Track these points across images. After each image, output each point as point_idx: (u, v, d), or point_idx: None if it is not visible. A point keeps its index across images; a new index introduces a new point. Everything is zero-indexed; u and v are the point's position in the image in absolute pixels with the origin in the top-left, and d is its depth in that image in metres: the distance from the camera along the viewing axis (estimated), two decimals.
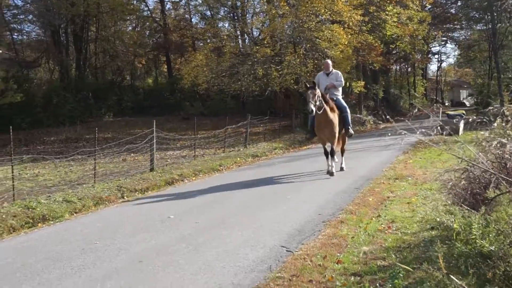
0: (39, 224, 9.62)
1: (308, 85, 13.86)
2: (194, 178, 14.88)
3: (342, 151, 15.62)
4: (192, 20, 51.05)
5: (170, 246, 7.56)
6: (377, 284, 5.48)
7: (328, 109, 13.72)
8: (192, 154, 19.99)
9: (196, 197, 11.80)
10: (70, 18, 41.91)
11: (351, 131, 15.19)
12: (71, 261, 6.97)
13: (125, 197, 12.07)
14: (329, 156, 14.35)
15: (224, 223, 8.96)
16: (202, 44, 43.07)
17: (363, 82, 37.29)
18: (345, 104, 15.10)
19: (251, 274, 6.11)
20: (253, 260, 6.65)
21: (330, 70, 15.39)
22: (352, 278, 5.77)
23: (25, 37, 46.39)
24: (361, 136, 29.85)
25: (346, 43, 31.92)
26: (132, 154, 18.93)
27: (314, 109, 13.06)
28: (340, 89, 15.32)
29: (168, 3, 51.26)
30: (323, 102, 13.65)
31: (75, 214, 10.39)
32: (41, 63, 47.92)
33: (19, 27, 44.66)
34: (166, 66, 51.65)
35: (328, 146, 14.54)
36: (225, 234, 8.18)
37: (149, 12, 52.58)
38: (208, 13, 47.82)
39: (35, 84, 42.02)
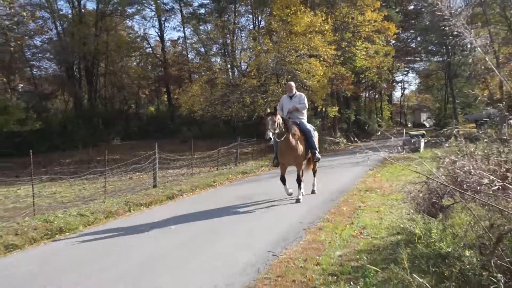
0: (57, 236, 9.58)
1: (269, 111, 11.87)
2: (191, 193, 14.85)
3: (314, 172, 13.62)
4: (189, 55, 51.18)
5: (172, 250, 7.57)
6: (351, 283, 5.50)
7: (290, 135, 11.57)
8: (189, 172, 19.98)
9: (194, 209, 11.80)
10: (82, 56, 42.04)
11: (317, 155, 12.74)
12: (87, 266, 6.96)
13: (131, 211, 12.03)
14: (296, 183, 12.26)
15: (217, 231, 8.97)
16: (197, 76, 43.14)
17: (337, 108, 37.56)
18: (309, 128, 12.75)
19: (242, 276, 6.12)
20: (243, 263, 6.67)
21: (294, 92, 13.02)
22: (330, 277, 5.80)
23: (43, 72, 46.31)
24: (336, 154, 29.91)
25: (322, 74, 32.16)
26: (137, 173, 18.84)
27: (272, 136, 10.96)
28: (305, 112, 13.07)
29: (168, 41, 51.34)
30: (285, 129, 11.51)
31: (88, 226, 10.34)
32: (57, 95, 47.85)
33: (38, 63, 44.69)
34: (166, 96, 51.63)
35: (297, 170, 12.44)
36: (218, 240, 8.20)
37: (151, 49, 52.71)
38: (203, 49, 47.92)
39: (52, 113, 41.85)
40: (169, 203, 13.35)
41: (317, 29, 32.92)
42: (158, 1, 47.43)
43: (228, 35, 43.92)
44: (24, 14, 32.35)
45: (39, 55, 43.64)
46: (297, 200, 11.93)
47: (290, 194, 12.41)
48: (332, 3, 37.84)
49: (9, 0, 29.73)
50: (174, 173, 19.86)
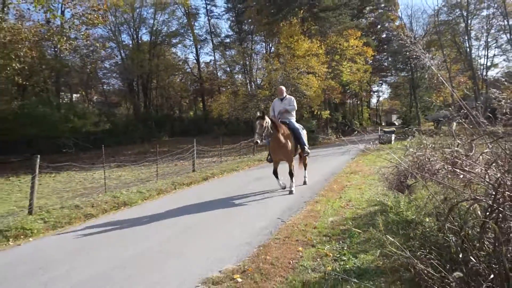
0: (122, 207, 9.67)
1: (258, 114, 9.97)
2: (221, 176, 14.89)
3: (305, 165, 11.91)
4: (218, 73, 51.18)
5: (208, 217, 7.61)
6: (340, 242, 5.50)
7: (279, 134, 9.93)
8: (219, 160, 20.02)
9: (222, 188, 11.83)
10: (140, 75, 42.38)
11: (307, 150, 10.96)
12: (145, 229, 7.03)
13: (176, 189, 12.08)
14: (288, 176, 10.47)
15: (240, 204, 9.00)
16: (224, 89, 43.23)
17: (328, 111, 37.53)
18: (298, 126, 11.02)
19: (258, 236, 6.15)
20: (259, 227, 6.70)
21: (284, 95, 11.26)
22: (324, 238, 5.79)
23: (111, 87, 46.92)
24: (327, 146, 29.77)
25: (317, 86, 32.22)
26: (181, 161, 18.92)
27: (259, 140, 9.37)
28: (294, 112, 11.30)
29: (202, 63, 51.41)
30: (274, 129, 9.85)
31: (144, 200, 10.41)
32: (121, 104, 48.28)
33: (107, 81, 45.29)
34: (201, 104, 51.69)
35: (287, 165, 10.57)
36: (240, 210, 8.22)
37: (190, 69, 52.77)
38: (228, 69, 48.08)
39: (118, 117, 42.21)
40: (204, 183, 13.40)
41: (313, 52, 33.03)
42: (195, 34, 47.54)
43: (247, 58, 44.11)
44: (97, 44, 32.68)
45: (108, 74, 44.46)
46: (290, 192, 10.15)
47: (283, 188, 10.61)
48: (324, 33, 37.79)
49: (86, 35, 29.94)
50: (208, 161, 19.91)
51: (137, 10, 41.83)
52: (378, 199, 6.94)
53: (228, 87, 42.00)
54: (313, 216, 7.22)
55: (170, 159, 17.86)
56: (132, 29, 43.43)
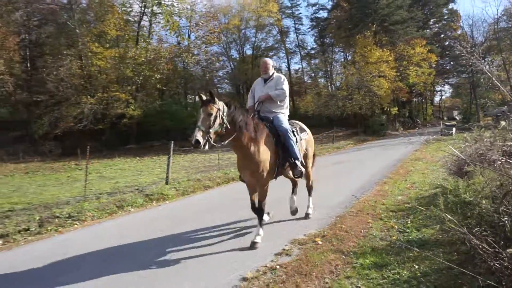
0: (231, 181, 10.02)
1: (204, 97, 4.11)
2: None
3: (308, 189, 5.92)
4: (304, 78, 50.70)
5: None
6: (405, 217, 5.23)
7: (243, 136, 4.23)
8: None
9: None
10: (244, 81, 43.31)
11: (300, 168, 4.78)
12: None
13: None
14: (257, 217, 4.59)
15: (319, 182, 8.87)
16: (309, 90, 42.72)
17: (396, 108, 35.48)
18: (287, 127, 4.86)
19: (335, 209, 6.05)
20: (336, 202, 6.57)
21: (270, 74, 5.15)
22: (391, 213, 5.53)
23: (223, 91, 48.47)
24: (395, 137, 28.26)
25: (387, 87, 30.79)
26: None
27: (201, 139, 3.76)
28: (285, 102, 5.15)
29: (292, 70, 51.23)
30: (238, 126, 4.18)
31: None
32: (230, 105, 49.76)
33: (220, 86, 46.74)
34: (291, 102, 51.62)
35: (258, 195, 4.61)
36: (321, 187, 8.11)
37: None
38: (313, 75, 47.67)
39: None
40: None
41: (384, 59, 31.42)
42: (287, 47, 47.60)
43: (328, 66, 43.45)
44: (213, 58, 34.08)
45: (221, 81, 45.89)
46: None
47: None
48: (394, 43, 35.67)
49: (205, 51, 31.31)
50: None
51: (242, 31, 42.86)
52: (439, 183, 6.43)
53: (313, 89, 41.61)
54: (381, 195, 6.92)
55: None
56: (238, 45, 44.60)
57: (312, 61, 48.16)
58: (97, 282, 3.60)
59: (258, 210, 4.55)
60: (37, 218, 6.18)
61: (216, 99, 4.00)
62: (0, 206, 7.85)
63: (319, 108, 35.00)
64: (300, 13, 55.46)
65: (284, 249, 4.21)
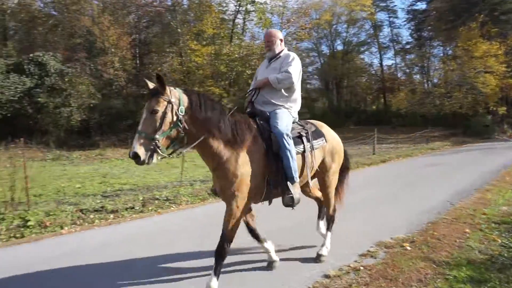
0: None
1: (150, 85, 2.75)
2: (397, 159, 13.96)
3: (328, 220, 4.00)
4: (398, 74, 47.70)
5: (383, 194, 7.27)
6: (509, 230, 4.64)
7: (215, 139, 2.85)
8: (396, 147, 18.79)
9: (398, 169, 11.13)
10: (334, 76, 42.63)
11: (292, 194, 3.05)
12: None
13: (358, 167, 11.82)
14: (214, 259, 2.94)
15: (412, 184, 8.32)
16: (403, 87, 40.13)
17: (505, 108, 31.37)
18: (284, 129, 3.12)
19: (428, 214, 5.61)
20: (429, 206, 6.09)
21: (277, 51, 3.46)
22: (493, 224, 4.94)
23: (312, 86, 48.16)
24: (503, 140, 25.14)
25: (494, 84, 27.50)
26: (363, 145, 18.21)
27: (142, 151, 2.47)
28: (292, 94, 3.42)
29: (385, 66, 48.47)
30: (206, 125, 2.81)
31: None
32: (318, 99, 49.22)
33: (309, 81, 46.39)
34: (383, 99, 48.96)
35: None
36: (412, 190, 7.60)
37: (374, 71, 50.43)
38: (407, 70, 44.68)
39: (316, 109, 43.05)
40: (382, 164, 12.78)
41: (492, 53, 28.06)
42: (380, 42, 45.42)
43: (425, 61, 40.44)
44: (303, 54, 34.09)
45: (310, 77, 45.72)
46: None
47: (270, 266, 3.58)
48: (505, 35, 31.51)
49: (296, 48, 31.46)
50: (386, 147, 18.78)
51: (334, 26, 41.97)
52: None
53: (407, 85, 39.13)
54: (482, 203, 6.21)
55: (354, 143, 17.51)
56: (329, 41, 43.92)
57: (407, 56, 45.03)
58: (190, 255, 3.90)
59: (217, 252, 2.94)
60: (141, 198, 6.91)
61: (167, 87, 2.69)
62: (112, 186, 8.94)
63: (413, 106, 32.68)
64: (395, 5, 52.46)
65: (369, 251, 4.06)
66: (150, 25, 29.45)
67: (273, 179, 3.11)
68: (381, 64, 48.16)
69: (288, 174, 3.13)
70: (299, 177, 3.30)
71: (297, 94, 3.56)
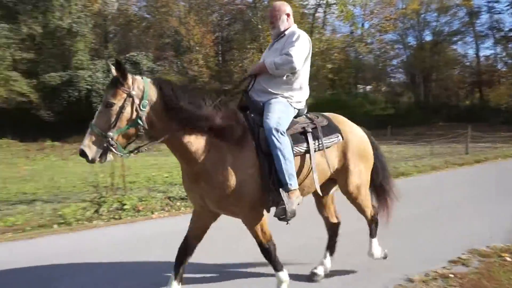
0: (400, 176, 9.19)
1: (114, 71, 2.22)
2: (495, 160, 12.50)
3: (370, 224, 3.38)
4: (498, 66, 42.77)
5: (476, 197, 6.60)
6: None
7: (190, 136, 2.37)
8: (493, 147, 16.76)
9: (495, 170, 10.04)
10: (421, 69, 39.82)
11: (284, 202, 2.42)
12: (418, 195, 6.62)
13: (447, 167, 10.80)
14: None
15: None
16: (504, 80, 35.93)
17: None
18: (274, 123, 2.50)
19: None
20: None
21: (282, 29, 2.84)
22: None
23: (397, 80, 45.61)
24: None
25: None
26: (454, 144, 16.56)
27: (90, 150, 2.11)
28: (296, 80, 2.77)
29: (482, 56, 43.79)
30: (179, 118, 2.31)
31: (419, 173, 9.75)
32: (404, 93, 46.50)
33: (394, 75, 44.27)
34: (478, 93, 44.43)
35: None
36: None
37: (469, 63, 45.93)
38: (510, 61, 39.64)
39: (400, 104, 40.74)
40: (476, 165, 11.58)
41: None
42: (476, 31, 41.21)
43: None
44: (388, 46, 32.51)
45: (395, 70, 43.69)
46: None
47: None
48: None
49: (379, 40, 30.24)
50: (481, 146, 16.93)
51: (422, 15, 39.11)
52: None
53: (509, 78, 34.99)
54: None
55: (444, 141, 16.16)
56: (416, 31, 40.97)
57: (510, 45, 40.11)
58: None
59: (263, 253, 2.69)
60: None
61: (129, 76, 2.25)
62: (173, 177, 9.41)
63: None
64: None
65: (460, 258, 3.72)
66: (232, 23, 30.62)
67: (264, 184, 2.53)
68: (477, 54, 43.58)
69: (281, 179, 2.51)
70: (301, 183, 2.72)
71: (302, 81, 2.90)
